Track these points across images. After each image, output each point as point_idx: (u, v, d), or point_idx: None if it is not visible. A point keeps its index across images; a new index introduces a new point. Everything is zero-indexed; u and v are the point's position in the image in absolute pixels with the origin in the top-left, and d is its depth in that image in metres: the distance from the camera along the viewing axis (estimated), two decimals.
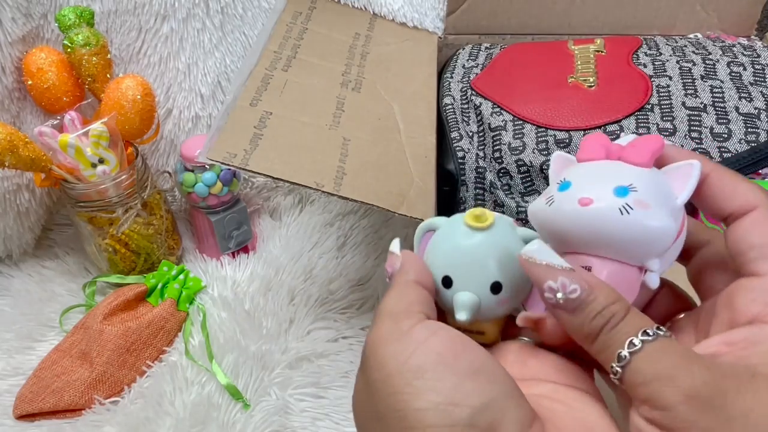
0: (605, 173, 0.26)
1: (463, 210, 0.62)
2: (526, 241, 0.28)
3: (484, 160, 0.60)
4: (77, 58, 0.60)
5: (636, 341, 0.22)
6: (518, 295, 0.29)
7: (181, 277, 0.65)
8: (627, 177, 0.26)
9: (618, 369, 0.22)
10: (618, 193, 0.25)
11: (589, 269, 0.26)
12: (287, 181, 0.48)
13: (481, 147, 0.61)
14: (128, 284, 0.64)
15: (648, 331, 0.22)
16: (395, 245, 0.29)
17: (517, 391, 0.23)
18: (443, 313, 0.30)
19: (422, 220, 0.49)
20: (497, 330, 0.30)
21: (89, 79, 0.61)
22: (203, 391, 0.55)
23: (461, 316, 0.27)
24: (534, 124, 0.58)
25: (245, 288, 0.66)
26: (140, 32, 0.66)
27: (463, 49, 0.71)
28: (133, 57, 0.67)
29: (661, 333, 0.22)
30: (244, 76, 0.56)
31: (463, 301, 0.27)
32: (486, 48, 0.71)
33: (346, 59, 0.63)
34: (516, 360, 0.28)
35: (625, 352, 0.22)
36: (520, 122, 0.59)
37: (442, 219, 0.30)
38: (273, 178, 0.48)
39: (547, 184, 0.56)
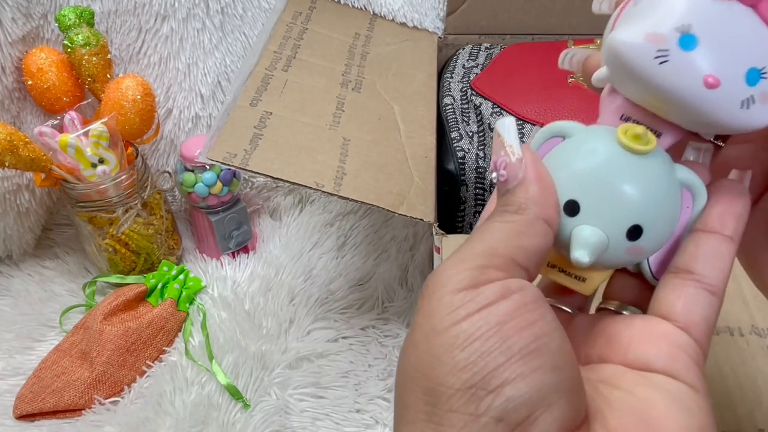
0: (742, 39, 0.20)
1: (463, 210, 0.62)
2: (684, 185, 0.22)
3: (484, 160, 0.60)
4: (77, 58, 0.60)
5: None
6: (654, 248, 0.23)
7: (181, 277, 0.65)
8: (764, 53, 0.20)
9: None
10: (749, 80, 0.20)
11: (657, 135, 0.22)
12: (287, 181, 0.48)
13: (481, 147, 0.61)
14: (128, 284, 0.64)
15: None
16: (508, 129, 0.22)
17: (575, 384, 0.19)
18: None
19: (422, 220, 0.49)
20: (600, 283, 0.24)
21: (89, 79, 0.61)
22: (203, 391, 0.55)
23: (581, 255, 0.21)
24: (534, 124, 0.59)
25: (245, 288, 0.66)
26: (140, 32, 0.66)
27: (463, 49, 0.71)
28: (133, 57, 0.67)
29: None
30: (244, 76, 0.56)
31: (587, 238, 0.21)
32: (486, 48, 0.71)
33: (346, 59, 0.63)
34: (600, 331, 0.23)
35: None
36: (521, 122, 0.59)
37: (577, 126, 0.23)
38: (273, 178, 0.48)
39: None
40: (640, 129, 0.21)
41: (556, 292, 0.26)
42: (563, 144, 0.23)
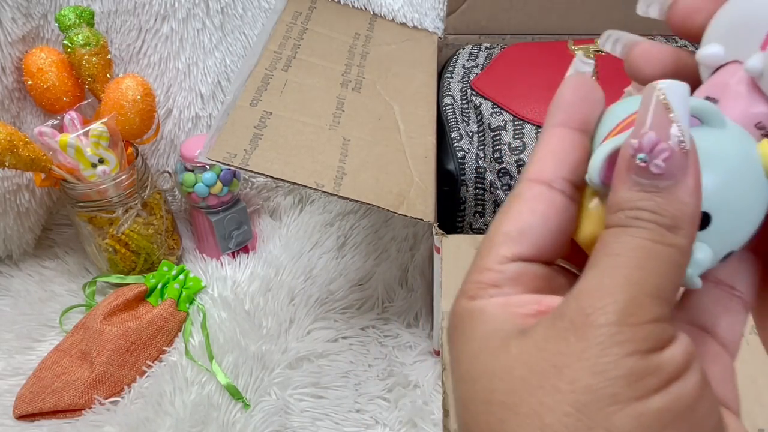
0: None
1: (463, 210, 0.62)
2: None
3: (484, 160, 0.60)
4: (77, 58, 0.60)
5: None
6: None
7: (181, 277, 0.65)
8: None
9: None
10: None
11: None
12: (287, 181, 0.48)
13: (481, 147, 0.61)
14: (128, 284, 0.64)
15: None
16: (680, 99, 0.17)
17: None
18: None
19: (422, 220, 0.49)
20: None
21: (89, 79, 0.61)
22: (203, 391, 0.55)
23: (694, 280, 0.18)
24: (534, 124, 0.58)
25: (245, 288, 0.66)
26: (140, 32, 0.66)
27: (463, 49, 0.71)
28: (133, 57, 0.67)
29: None
30: (244, 76, 0.56)
31: (702, 261, 0.18)
32: (486, 48, 0.71)
33: (346, 59, 0.63)
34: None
35: None
36: (520, 122, 0.59)
37: (719, 114, 0.19)
38: (273, 178, 0.48)
39: None
40: None
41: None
42: (702, 132, 0.18)
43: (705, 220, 0.18)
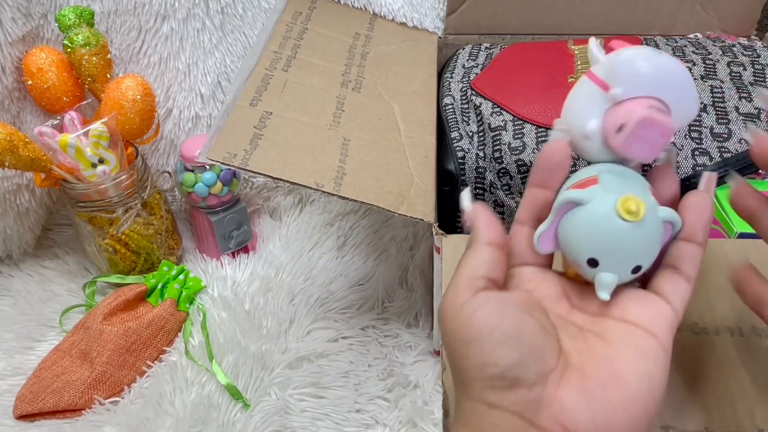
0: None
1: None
2: (667, 221, 0.30)
3: (484, 160, 0.60)
4: (77, 58, 0.60)
5: None
6: (650, 268, 0.31)
7: (181, 277, 0.65)
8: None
9: None
10: None
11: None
12: (287, 181, 0.48)
13: (481, 147, 0.61)
14: (128, 284, 0.64)
15: None
16: (466, 198, 0.32)
17: (541, 348, 0.28)
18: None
19: (422, 220, 0.49)
20: None
21: (89, 79, 0.61)
22: (203, 391, 0.55)
23: (603, 295, 0.30)
24: (534, 124, 0.58)
25: (245, 288, 0.66)
26: (140, 32, 0.66)
27: (463, 49, 0.71)
28: (133, 57, 0.67)
29: None
30: (244, 75, 0.56)
31: (607, 282, 0.29)
32: (486, 48, 0.71)
33: (346, 59, 0.63)
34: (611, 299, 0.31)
35: None
36: (520, 122, 0.59)
37: (588, 194, 0.30)
38: (273, 178, 0.48)
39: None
40: (633, 205, 0.28)
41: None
42: (579, 211, 0.30)
43: (595, 261, 0.29)
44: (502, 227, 0.31)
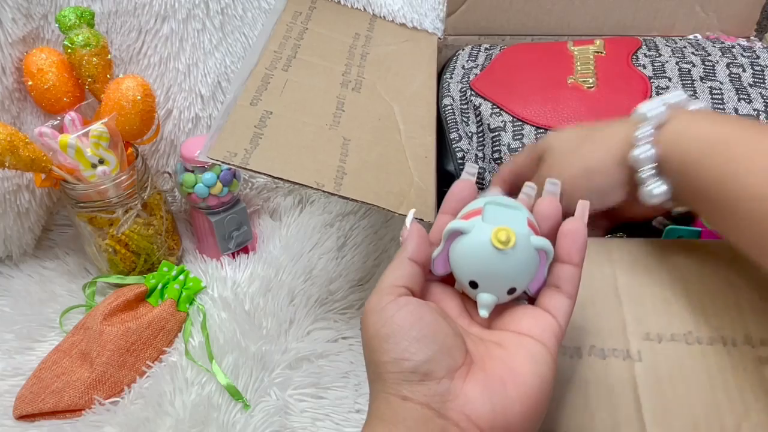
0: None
1: None
2: (539, 248, 0.34)
3: (483, 161, 0.60)
4: (77, 59, 0.60)
5: None
6: (523, 291, 0.35)
7: (181, 277, 0.65)
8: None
9: None
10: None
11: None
12: (288, 181, 0.48)
13: (481, 147, 0.61)
14: (128, 285, 0.64)
15: None
16: (409, 218, 0.36)
17: (451, 347, 0.32)
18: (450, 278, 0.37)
19: (422, 220, 0.49)
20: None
21: (89, 80, 0.61)
22: (203, 392, 0.55)
23: (483, 313, 0.34)
24: (533, 125, 0.59)
25: (245, 288, 0.66)
26: (140, 33, 0.66)
27: (463, 49, 0.72)
28: (133, 58, 0.67)
29: None
30: (244, 75, 0.56)
31: (486, 302, 0.34)
32: (485, 49, 0.71)
33: (346, 59, 0.63)
34: (504, 314, 0.36)
35: None
36: (520, 123, 0.59)
37: (470, 225, 0.34)
38: (273, 177, 0.48)
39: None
40: (503, 235, 0.32)
41: None
42: (463, 240, 0.34)
43: (475, 283, 0.33)
44: (429, 249, 0.35)
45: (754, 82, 0.57)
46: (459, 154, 0.61)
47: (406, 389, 0.30)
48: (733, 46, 0.61)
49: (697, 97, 0.56)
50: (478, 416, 0.30)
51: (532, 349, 0.32)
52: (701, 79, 0.57)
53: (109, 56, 0.62)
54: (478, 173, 0.60)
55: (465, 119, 0.63)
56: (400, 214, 0.49)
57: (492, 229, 0.33)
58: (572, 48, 0.65)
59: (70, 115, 0.59)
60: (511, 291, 0.34)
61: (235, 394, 0.55)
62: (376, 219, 0.73)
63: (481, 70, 0.67)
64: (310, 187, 0.48)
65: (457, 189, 0.37)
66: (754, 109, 0.54)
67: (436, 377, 0.30)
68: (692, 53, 0.61)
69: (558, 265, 0.35)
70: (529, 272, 0.34)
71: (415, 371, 0.30)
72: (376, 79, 0.62)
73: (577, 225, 0.35)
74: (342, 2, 0.71)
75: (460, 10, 0.74)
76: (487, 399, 0.30)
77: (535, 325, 0.34)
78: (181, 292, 0.63)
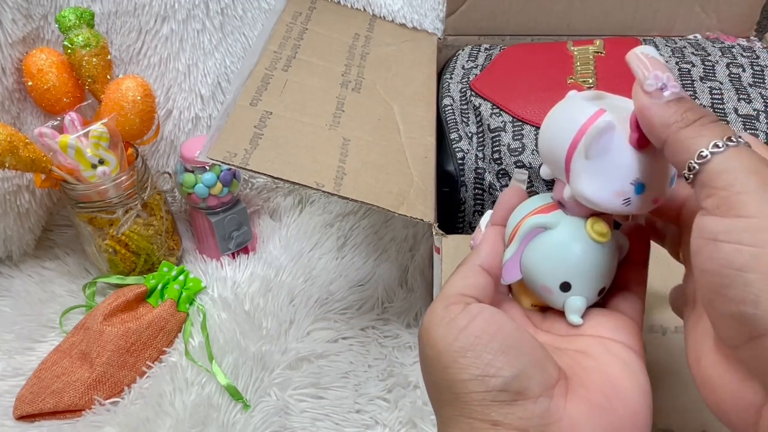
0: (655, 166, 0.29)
1: (463, 211, 0.62)
2: (620, 245, 0.31)
3: (483, 161, 0.60)
4: (77, 59, 0.60)
5: (720, 144, 0.23)
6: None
7: (181, 277, 0.65)
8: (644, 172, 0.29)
9: (695, 166, 0.24)
10: (636, 190, 0.29)
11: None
12: (287, 181, 0.48)
13: (481, 148, 0.61)
14: (128, 285, 0.64)
15: (732, 138, 0.24)
16: (484, 219, 0.33)
17: (542, 359, 0.27)
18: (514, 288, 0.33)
19: (422, 220, 0.49)
20: None
21: (89, 80, 0.61)
22: (203, 392, 0.55)
23: (576, 319, 0.30)
24: (533, 126, 0.59)
25: (245, 289, 0.66)
26: (140, 33, 0.66)
27: (463, 50, 0.71)
28: (133, 58, 0.68)
29: (742, 141, 0.24)
30: (244, 75, 0.56)
31: (578, 306, 0.30)
32: (485, 49, 0.71)
33: (345, 59, 0.63)
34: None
35: (707, 152, 0.23)
36: (520, 123, 0.59)
37: (555, 219, 0.30)
38: (273, 177, 0.48)
39: (547, 187, 0.56)
40: (603, 227, 0.29)
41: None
42: (548, 236, 0.30)
43: (568, 285, 0.29)
44: (501, 258, 0.31)
45: (754, 82, 0.56)
46: (459, 155, 0.61)
47: (495, 412, 0.26)
48: (732, 46, 0.61)
49: (697, 97, 0.56)
50: None
51: (624, 356, 0.28)
52: (701, 79, 0.57)
53: (109, 57, 0.62)
54: (478, 174, 0.60)
55: (465, 119, 0.63)
56: (399, 215, 0.49)
57: (586, 221, 0.29)
58: (572, 48, 0.65)
59: (70, 116, 0.59)
60: (601, 291, 0.30)
61: (235, 394, 0.55)
62: (376, 219, 0.73)
63: (481, 71, 0.67)
64: (310, 188, 0.48)
65: (506, 198, 0.33)
66: (754, 109, 0.54)
67: (532, 396, 0.26)
68: (692, 53, 0.61)
69: (626, 265, 0.32)
70: (614, 269, 0.30)
71: (505, 389, 0.26)
72: (376, 79, 0.62)
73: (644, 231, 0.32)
74: (342, 2, 0.71)
75: (460, 11, 0.74)
76: (596, 420, 0.26)
77: (618, 327, 0.30)
78: (181, 293, 0.63)
